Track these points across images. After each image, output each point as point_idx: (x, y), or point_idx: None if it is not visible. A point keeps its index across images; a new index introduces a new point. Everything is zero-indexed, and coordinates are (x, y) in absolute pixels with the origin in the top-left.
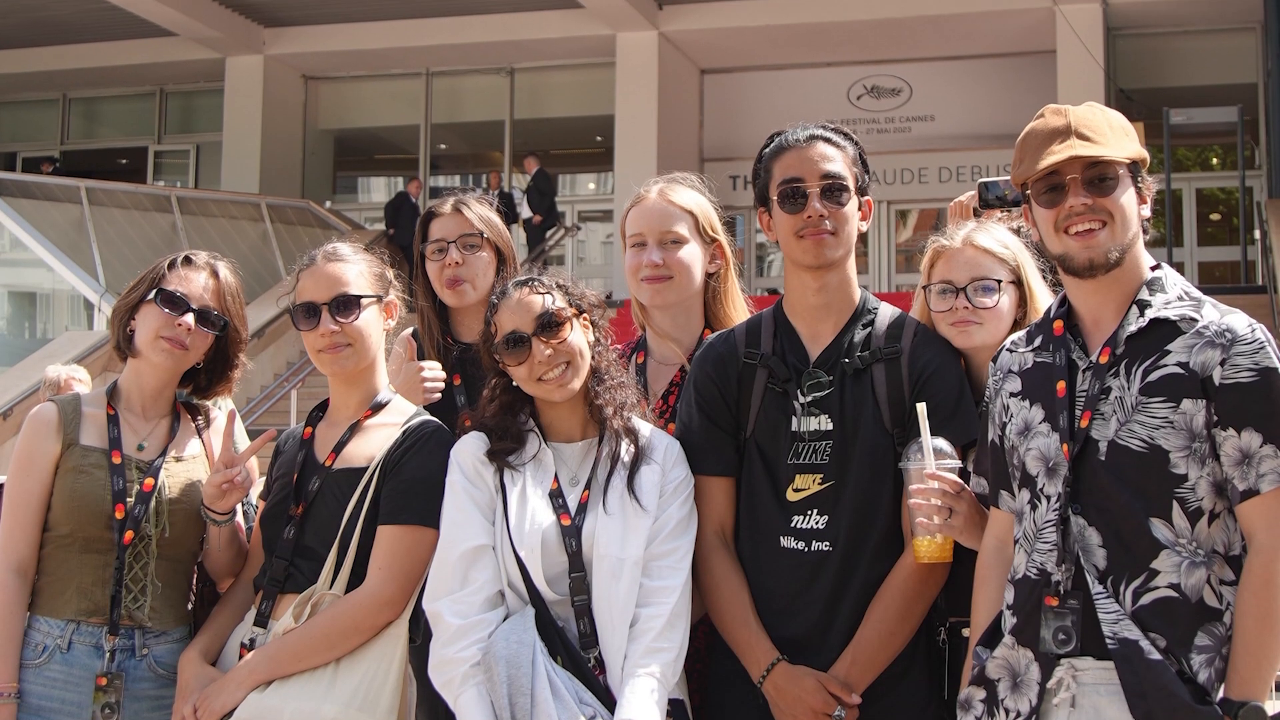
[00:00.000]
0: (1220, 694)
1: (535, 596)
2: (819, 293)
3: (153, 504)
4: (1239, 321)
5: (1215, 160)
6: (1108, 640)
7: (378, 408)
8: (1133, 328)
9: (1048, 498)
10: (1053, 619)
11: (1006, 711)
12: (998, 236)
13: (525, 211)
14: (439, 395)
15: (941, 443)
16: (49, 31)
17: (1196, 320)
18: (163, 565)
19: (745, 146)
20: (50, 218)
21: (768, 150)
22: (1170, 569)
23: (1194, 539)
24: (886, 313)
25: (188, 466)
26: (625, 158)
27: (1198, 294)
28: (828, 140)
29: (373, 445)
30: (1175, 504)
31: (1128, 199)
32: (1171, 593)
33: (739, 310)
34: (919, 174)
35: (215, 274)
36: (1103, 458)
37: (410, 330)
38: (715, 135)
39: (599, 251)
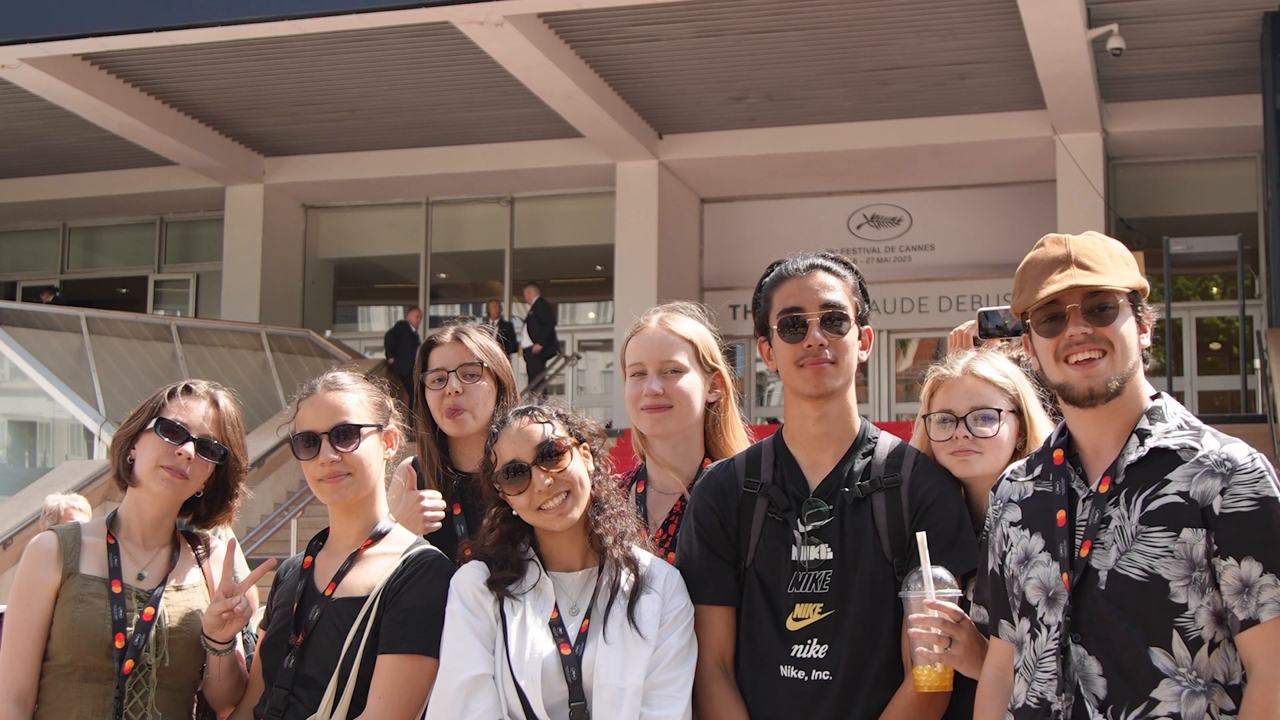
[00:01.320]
0: None
1: None
2: (819, 422)
3: (153, 633)
4: (1239, 451)
5: (1215, 289)
6: None
7: (378, 537)
8: (1133, 457)
9: (1048, 627)
10: None
11: None
12: (998, 366)
13: (525, 340)
14: (439, 524)
15: (941, 572)
16: (49, 161)
17: (1196, 449)
18: (163, 694)
19: (745, 275)
20: (50, 347)
21: (767, 279)
22: (1170, 698)
23: (1194, 668)
24: (886, 442)
25: (188, 595)
26: (625, 287)
27: (1198, 423)
28: (828, 269)
29: (373, 574)
30: (1175, 633)
31: (1128, 328)
32: None
33: (739, 439)
34: (919, 303)
35: (215, 403)
36: (1103, 587)
37: (410, 459)
38: (715, 264)
39: (599, 380)
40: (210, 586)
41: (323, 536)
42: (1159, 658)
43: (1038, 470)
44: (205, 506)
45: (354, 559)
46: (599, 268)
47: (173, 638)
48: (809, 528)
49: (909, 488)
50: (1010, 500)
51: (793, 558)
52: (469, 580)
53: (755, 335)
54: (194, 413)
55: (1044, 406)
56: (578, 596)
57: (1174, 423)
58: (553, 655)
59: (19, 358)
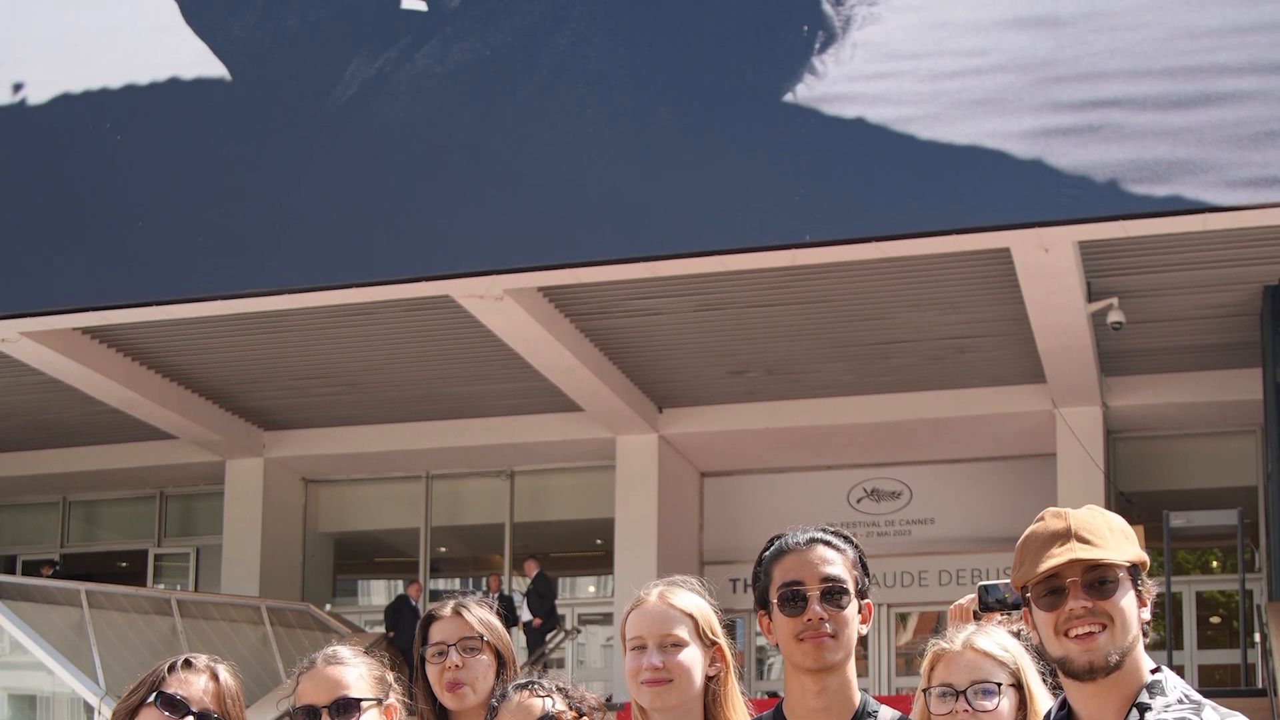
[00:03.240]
0: None
1: None
2: (819, 695)
3: None
4: None
5: (1215, 563)
6: None
7: None
8: None
9: None
10: None
11: None
12: (997, 639)
13: (525, 614)
14: None
15: None
16: (50, 435)
17: None
18: None
19: (745, 549)
20: (50, 620)
21: (767, 553)
22: None
23: None
24: (887, 715)
25: None
26: (625, 560)
27: (1198, 697)
28: (827, 543)
29: None
30: None
31: (1128, 602)
32: None
33: (739, 713)
34: (919, 577)
35: (215, 677)
36: None
37: None
38: (715, 537)
39: (599, 654)
40: None
41: None
42: None
43: None
44: None
45: None
46: (599, 541)
47: None
48: None
49: None
50: None
51: None
52: None
53: (755, 609)
54: (194, 686)
55: (1044, 680)
56: None
57: (1174, 696)
58: None
59: (19, 631)
